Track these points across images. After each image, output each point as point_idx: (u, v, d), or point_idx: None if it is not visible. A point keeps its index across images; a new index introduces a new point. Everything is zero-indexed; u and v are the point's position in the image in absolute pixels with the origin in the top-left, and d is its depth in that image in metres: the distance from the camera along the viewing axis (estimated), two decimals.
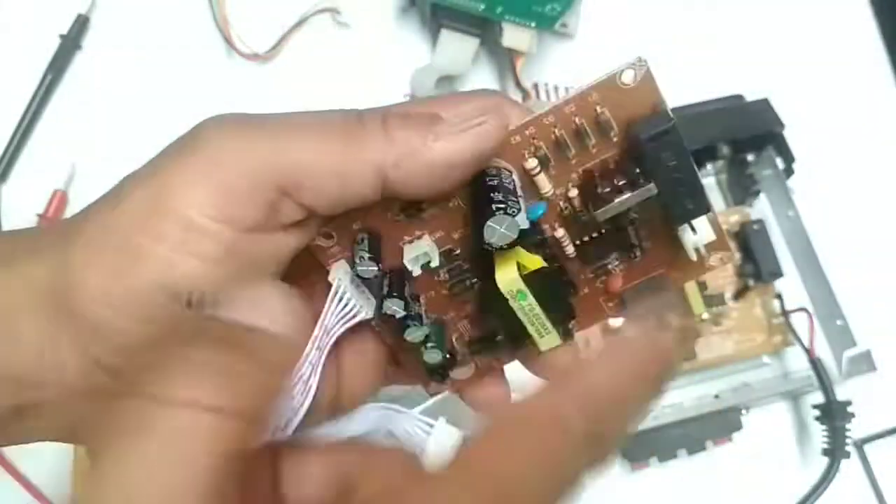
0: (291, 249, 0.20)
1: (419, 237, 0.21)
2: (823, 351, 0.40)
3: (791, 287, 0.42)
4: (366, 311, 0.21)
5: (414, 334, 0.22)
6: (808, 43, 0.48)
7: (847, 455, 0.38)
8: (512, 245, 0.19)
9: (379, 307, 0.21)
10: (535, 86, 0.44)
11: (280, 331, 0.19)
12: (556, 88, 0.45)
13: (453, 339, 0.23)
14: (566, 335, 0.22)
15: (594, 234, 0.22)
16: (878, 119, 0.48)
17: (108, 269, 0.18)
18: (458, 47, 0.41)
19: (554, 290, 0.21)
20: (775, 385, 0.40)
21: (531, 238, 0.20)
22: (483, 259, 0.21)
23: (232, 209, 0.18)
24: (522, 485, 0.15)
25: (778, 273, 0.40)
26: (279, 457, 0.18)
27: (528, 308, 0.21)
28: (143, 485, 0.14)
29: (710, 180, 0.44)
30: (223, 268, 0.18)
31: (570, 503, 0.16)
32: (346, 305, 0.21)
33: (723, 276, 0.40)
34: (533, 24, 0.39)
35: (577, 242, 0.22)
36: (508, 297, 0.20)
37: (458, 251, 0.22)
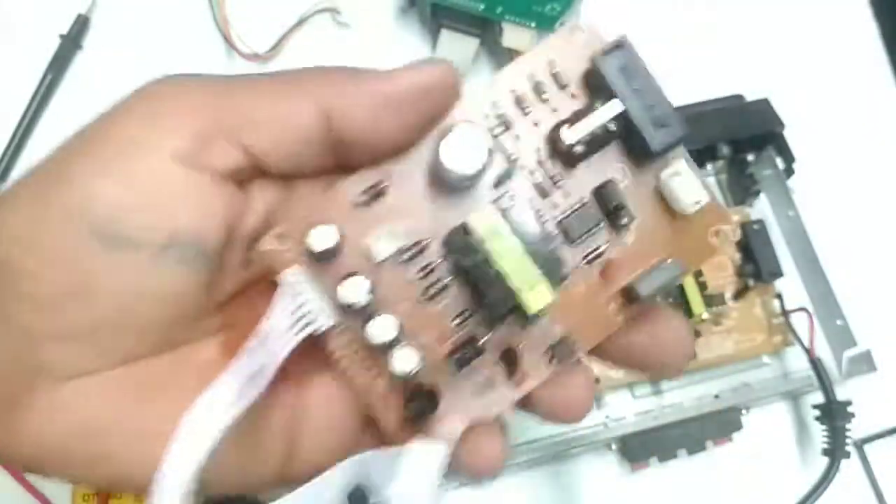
0: (225, 206, 0.18)
1: (381, 227, 0.19)
2: (823, 351, 0.40)
3: (791, 287, 0.42)
4: (324, 319, 0.18)
5: (380, 328, 0.18)
6: (808, 43, 0.48)
7: (847, 455, 0.38)
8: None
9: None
10: None
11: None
12: None
13: (432, 371, 0.20)
14: (557, 284, 0.19)
15: (575, 206, 0.20)
16: (878, 119, 0.48)
17: (30, 201, 0.17)
18: (458, 47, 0.41)
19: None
20: (775, 385, 0.40)
21: None
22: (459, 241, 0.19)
23: (163, 132, 0.17)
24: None
25: (778, 273, 0.40)
26: None
27: (508, 251, 0.18)
28: None
29: (710, 180, 0.44)
30: (146, 197, 0.17)
31: None
32: (300, 306, 0.18)
33: (723, 276, 0.40)
34: (533, 24, 0.39)
35: (558, 217, 0.20)
36: (485, 238, 0.18)
37: (426, 244, 0.19)
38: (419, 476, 0.18)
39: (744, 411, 0.39)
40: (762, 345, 0.40)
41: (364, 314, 0.19)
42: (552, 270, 0.19)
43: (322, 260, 0.19)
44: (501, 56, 0.43)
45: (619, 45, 0.20)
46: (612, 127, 0.19)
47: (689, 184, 0.20)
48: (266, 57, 0.42)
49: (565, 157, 0.20)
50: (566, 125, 0.19)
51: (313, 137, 0.18)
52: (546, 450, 0.36)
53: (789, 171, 0.42)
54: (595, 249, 0.20)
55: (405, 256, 0.19)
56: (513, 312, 0.19)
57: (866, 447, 0.41)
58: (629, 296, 0.20)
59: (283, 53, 0.42)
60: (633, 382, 0.39)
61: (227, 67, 0.42)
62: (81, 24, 0.41)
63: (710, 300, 0.38)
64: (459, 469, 0.20)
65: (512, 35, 0.40)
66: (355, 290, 0.18)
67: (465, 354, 0.20)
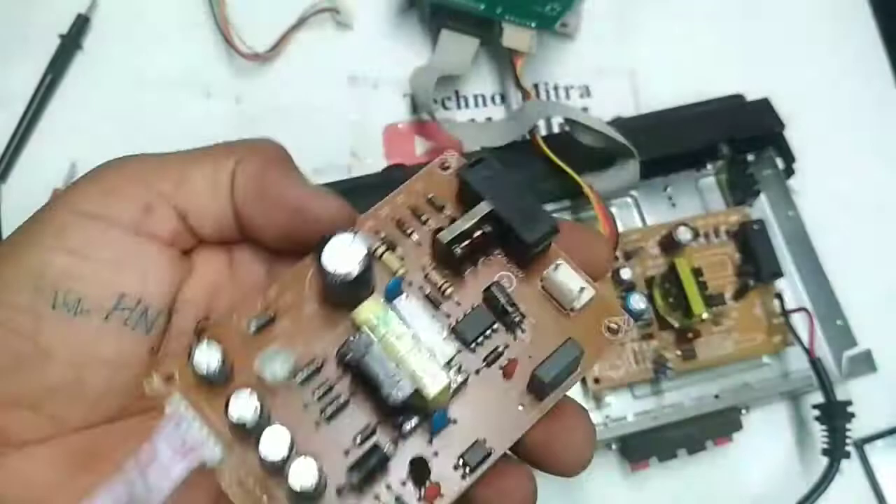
0: (169, 270, 0.20)
1: (266, 348, 0.19)
2: (823, 351, 0.41)
3: (791, 287, 0.42)
4: (210, 452, 0.17)
5: (272, 442, 0.17)
6: (808, 43, 0.48)
7: (847, 455, 0.38)
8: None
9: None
10: (535, 86, 0.45)
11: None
12: (555, 88, 0.45)
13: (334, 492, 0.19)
14: (449, 366, 0.20)
15: (466, 311, 0.21)
16: (878, 119, 0.48)
17: None
18: (458, 47, 0.41)
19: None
20: (775, 385, 0.40)
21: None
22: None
23: (109, 205, 0.19)
24: None
25: (778, 273, 0.40)
26: None
27: (401, 336, 0.18)
28: None
29: (710, 180, 0.44)
30: (93, 264, 0.18)
31: None
32: (185, 430, 0.17)
33: (723, 276, 0.40)
34: (533, 24, 0.39)
35: (452, 324, 0.21)
36: (376, 325, 0.18)
37: (321, 364, 0.19)
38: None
39: (744, 411, 0.39)
40: (762, 345, 0.40)
41: (256, 433, 0.18)
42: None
43: (212, 383, 0.18)
44: (501, 56, 0.43)
45: (482, 160, 0.21)
46: (488, 228, 0.20)
47: (569, 278, 0.21)
48: (266, 57, 0.42)
49: (448, 261, 0.21)
50: (442, 230, 0.20)
51: (227, 208, 0.20)
52: None
53: (789, 171, 0.42)
54: (493, 350, 0.21)
55: (300, 378, 0.19)
56: (413, 401, 0.18)
57: (866, 447, 0.41)
58: (536, 389, 0.20)
59: (283, 53, 0.42)
60: (634, 382, 0.39)
61: (227, 67, 0.42)
62: (81, 24, 0.41)
63: (710, 300, 0.38)
64: None
65: (512, 35, 0.40)
66: (245, 406, 0.17)
67: (368, 464, 0.19)
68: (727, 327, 0.40)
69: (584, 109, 0.44)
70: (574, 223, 0.22)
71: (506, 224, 0.20)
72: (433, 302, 0.21)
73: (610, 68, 0.45)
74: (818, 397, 0.39)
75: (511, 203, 0.20)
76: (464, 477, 0.19)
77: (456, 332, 0.21)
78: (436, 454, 0.20)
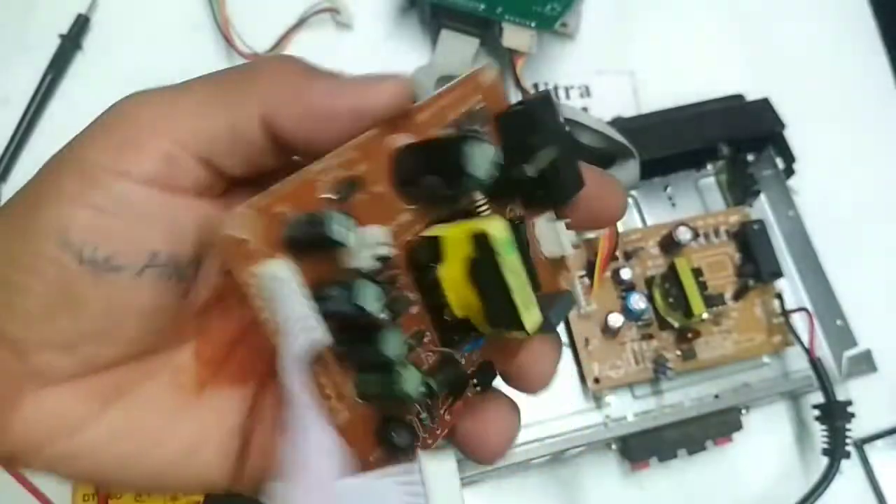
0: (200, 222, 0.18)
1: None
2: (823, 351, 0.41)
3: (791, 287, 0.42)
4: (320, 333, 0.16)
5: (391, 343, 0.16)
6: (808, 43, 0.48)
7: (847, 455, 0.38)
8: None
9: (340, 307, 0.16)
10: (535, 86, 0.45)
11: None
12: (555, 88, 0.45)
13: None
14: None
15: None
16: (878, 119, 0.48)
17: (8, 225, 0.18)
18: (458, 47, 0.41)
19: (524, 249, 0.19)
20: (775, 385, 0.40)
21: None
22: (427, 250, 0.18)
23: (129, 160, 0.18)
24: None
25: (778, 273, 0.40)
26: None
27: (514, 267, 0.17)
28: None
29: (710, 180, 0.44)
30: (120, 221, 0.18)
31: None
32: (302, 306, 0.15)
33: (723, 276, 0.40)
34: (533, 24, 0.39)
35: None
36: (500, 250, 0.17)
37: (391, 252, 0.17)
38: (449, 487, 0.17)
39: (744, 411, 0.39)
40: (762, 345, 0.40)
41: (361, 325, 0.16)
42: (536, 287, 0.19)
43: (302, 253, 0.16)
44: (501, 56, 0.43)
45: (545, 97, 0.20)
46: (531, 173, 0.19)
47: (556, 235, 0.21)
48: None
49: (498, 195, 0.19)
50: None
51: (259, 143, 0.18)
52: (546, 450, 0.36)
53: (789, 171, 0.42)
54: None
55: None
56: (510, 328, 0.18)
57: (866, 447, 0.41)
58: None
59: (283, 53, 0.42)
60: (634, 382, 0.39)
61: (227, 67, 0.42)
62: (81, 24, 0.41)
63: (710, 300, 0.38)
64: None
65: (512, 35, 0.40)
66: (371, 298, 0.16)
67: (447, 375, 0.19)
68: (727, 327, 0.40)
69: (584, 109, 0.44)
70: (594, 169, 0.22)
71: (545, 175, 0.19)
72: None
73: (610, 68, 0.45)
74: (818, 397, 0.39)
75: (557, 150, 0.19)
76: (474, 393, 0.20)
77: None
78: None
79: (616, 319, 0.38)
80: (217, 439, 0.20)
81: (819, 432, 0.39)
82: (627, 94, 0.45)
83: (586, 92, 0.45)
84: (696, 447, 0.38)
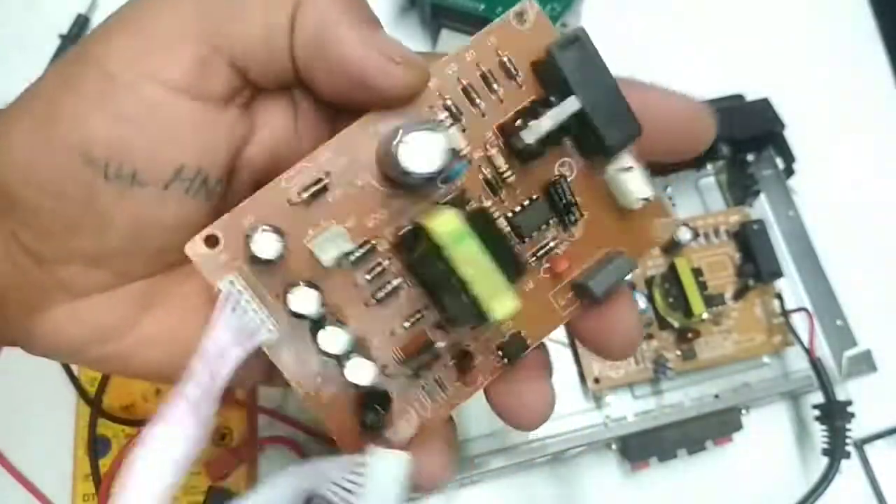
0: (229, 133, 0.18)
1: (326, 228, 0.18)
2: (823, 351, 0.41)
3: (791, 287, 0.42)
4: (267, 330, 0.18)
5: (332, 339, 0.17)
6: (808, 43, 0.48)
7: (847, 455, 0.38)
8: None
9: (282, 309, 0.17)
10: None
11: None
12: None
13: (385, 376, 0.19)
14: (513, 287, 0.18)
15: (525, 202, 0.20)
16: (878, 119, 0.48)
17: (27, 135, 0.17)
18: (458, 47, 0.41)
19: (497, 239, 0.19)
20: (775, 385, 0.40)
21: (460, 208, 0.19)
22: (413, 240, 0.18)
23: (156, 63, 0.16)
24: None
25: (778, 273, 0.40)
26: None
27: (472, 257, 0.17)
28: None
29: (710, 180, 0.44)
30: (145, 131, 0.17)
31: None
32: (242, 314, 0.17)
33: (723, 276, 0.40)
34: None
35: (509, 215, 0.20)
36: (447, 243, 0.17)
37: (375, 244, 0.19)
38: (387, 489, 0.17)
39: (744, 411, 0.39)
40: (762, 345, 0.40)
41: (311, 320, 0.18)
42: (512, 273, 0.19)
43: (261, 264, 0.18)
44: None
45: (577, 39, 0.19)
46: (567, 124, 0.19)
47: (636, 180, 0.20)
48: None
49: (519, 154, 0.19)
50: (520, 121, 0.19)
51: (287, 56, 0.18)
52: (546, 450, 0.36)
53: (789, 171, 0.42)
54: (544, 245, 0.20)
55: (353, 258, 0.18)
56: (477, 321, 0.18)
57: (866, 447, 0.41)
58: (580, 292, 0.20)
59: None
60: (634, 382, 0.39)
61: None
62: (81, 24, 0.41)
63: (710, 300, 0.38)
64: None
65: None
66: (307, 302, 0.17)
67: (422, 359, 0.19)
68: (727, 327, 0.40)
69: None
70: (665, 92, 0.20)
71: (589, 122, 0.19)
72: (491, 186, 0.19)
73: (609, 68, 0.45)
74: (818, 397, 0.39)
75: (597, 96, 0.18)
76: (501, 365, 0.20)
77: (511, 223, 0.20)
78: (476, 346, 0.20)
79: None
80: None
81: (819, 432, 0.39)
82: None
83: None
84: (696, 447, 0.38)
